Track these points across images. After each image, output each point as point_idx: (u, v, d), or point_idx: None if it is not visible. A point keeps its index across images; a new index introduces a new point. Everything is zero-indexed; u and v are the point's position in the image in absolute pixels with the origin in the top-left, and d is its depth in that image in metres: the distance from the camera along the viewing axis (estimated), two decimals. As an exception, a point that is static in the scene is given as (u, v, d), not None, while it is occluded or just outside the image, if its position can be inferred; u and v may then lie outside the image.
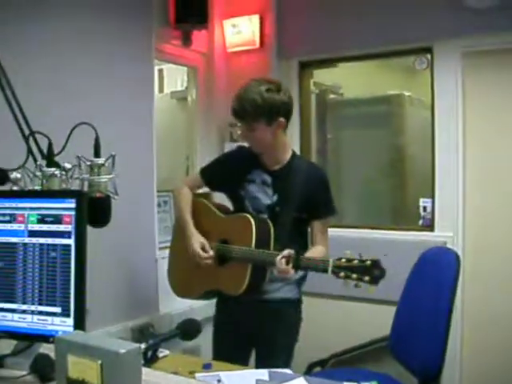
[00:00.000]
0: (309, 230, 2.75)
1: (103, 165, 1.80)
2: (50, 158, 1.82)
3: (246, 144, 2.79)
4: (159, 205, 3.82)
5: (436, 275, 2.69)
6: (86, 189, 1.80)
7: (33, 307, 1.69)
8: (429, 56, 3.75)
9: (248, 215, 2.63)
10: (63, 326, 1.64)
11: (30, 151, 1.87)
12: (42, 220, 1.69)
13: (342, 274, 2.30)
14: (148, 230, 3.56)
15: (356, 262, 2.29)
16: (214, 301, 2.88)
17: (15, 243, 1.72)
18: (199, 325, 1.95)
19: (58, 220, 1.66)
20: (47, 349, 1.66)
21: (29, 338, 1.73)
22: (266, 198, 2.68)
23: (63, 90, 2.95)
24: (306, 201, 2.64)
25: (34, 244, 1.69)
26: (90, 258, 1.66)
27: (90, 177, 1.80)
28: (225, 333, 2.80)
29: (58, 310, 1.65)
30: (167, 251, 3.04)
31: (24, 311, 1.70)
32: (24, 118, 1.94)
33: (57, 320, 1.66)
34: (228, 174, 2.77)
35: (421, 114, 3.99)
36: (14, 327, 1.71)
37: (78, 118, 1.85)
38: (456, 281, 2.58)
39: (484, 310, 3.55)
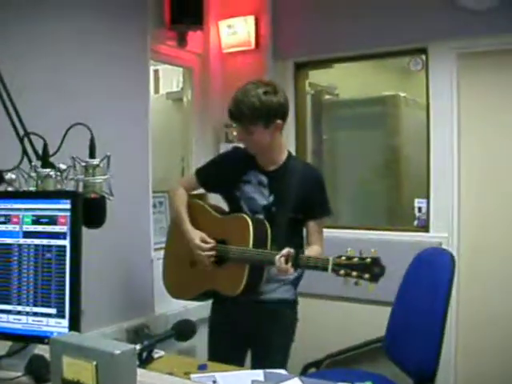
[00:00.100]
0: (304, 230, 2.76)
1: (98, 165, 1.80)
2: (45, 159, 1.81)
3: (241, 145, 2.79)
4: (154, 206, 3.81)
5: (431, 276, 2.70)
6: (81, 189, 1.80)
7: (28, 308, 1.69)
8: (424, 57, 3.75)
9: (245, 216, 2.63)
10: (58, 327, 1.64)
11: (24, 152, 1.87)
12: (36, 221, 1.69)
13: (342, 271, 2.30)
14: (143, 231, 3.55)
15: (356, 259, 2.29)
16: (209, 302, 2.88)
17: (10, 244, 1.72)
18: (194, 325, 1.95)
19: (52, 221, 1.66)
20: (42, 350, 1.66)
21: (24, 339, 1.73)
22: (262, 198, 2.68)
23: (58, 90, 2.95)
24: (301, 201, 2.64)
25: (28, 245, 1.69)
26: (85, 258, 1.65)
27: (84, 177, 1.80)
28: (220, 333, 2.80)
29: (53, 311, 1.65)
30: (163, 252, 3.04)
31: (19, 312, 1.70)
32: (19, 118, 1.94)
33: (52, 321, 1.65)
34: (223, 174, 2.77)
35: (416, 114, 4.00)
36: (8, 328, 1.71)
37: (73, 118, 1.85)
38: (451, 281, 2.59)
39: (479, 310, 3.56)
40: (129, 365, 1.33)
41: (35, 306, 1.68)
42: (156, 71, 4.71)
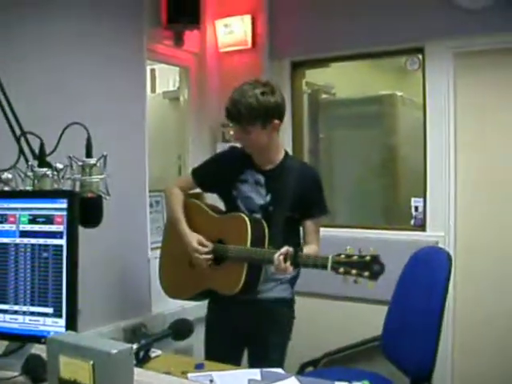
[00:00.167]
0: (301, 229, 2.76)
1: (95, 165, 1.80)
2: (42, 159, 1.81)
3: (238, 144, 2.79)
4: (151, 205, 3.81)
5: (428, 275, 2.70)
6: (77, 189, 1.80)
7: (24, 308, 1.69)
8: (420, 56, 3.76)
9: (243, 215, 2.63)
10: (55, 326, 1.64)
11: (21, 151, 1.87)
12: (33, 220, 1.69)
13: (341, 269, 2.30)
14: (140, 230, 3.55)
15: (355, 257, 2.29)
16: (206, 301, 2.88)
17: (7, 244, 1.71)
18: (191, 325, 1.95)
19: (49, 220, 1.66)
20: (39, 349, 1.66)
21: (20, 339, 1.73)
22: (259, 197, 2.68)
23: (55, 90, 2.94)
24: (298, 200, 2.64)
25: (25, 244, 1.69)
26: (82, 258, 1.65)
27: (81, 177, 1.80)
28: (217, 332, 2.80)
29: (49, 310, 1.65)
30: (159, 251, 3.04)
31: (16, 312, 1.70)
32: (15, 118, 1.94)
33: (49, 321, 1.65)
34: (220, 174, 2.77)
35: (413, 114, 4.01)
36: (5, 328, 1.71)
37: (70, 118, 1.85)
38: (447, 280, 2.59)
39: (475, 309, 3.56)
40: (126, 364, 1.33)
41: (32, 305, 1.68)
42: (152, 70, 4.71)
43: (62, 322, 1.63)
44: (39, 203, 1.69)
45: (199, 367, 2.19)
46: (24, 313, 1.69)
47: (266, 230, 2.60)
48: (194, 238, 2.70)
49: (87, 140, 1.83)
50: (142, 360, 1.79)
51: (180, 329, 1.92)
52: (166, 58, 4.07)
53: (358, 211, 4.49)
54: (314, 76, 4.43)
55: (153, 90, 4.80)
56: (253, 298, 2.66)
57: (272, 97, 2.56)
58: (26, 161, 1.85)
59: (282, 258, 2.41)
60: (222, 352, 2.64)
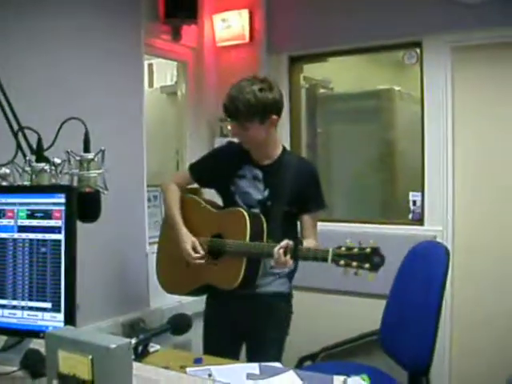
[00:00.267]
0: (298, 223, 2.76)
1: (93, 160, 1.80)
2: (40, 153, 1.81)
3: (235, 139, 2.79)
4: (149, 199, 3.81)
5: (425, 269, 2.71)
6: (75, 184, 1.80)
7: (23, 303, 1.69)
8: (418, 50, 3.76)
9: (241, 209, 2.63)
10: (53, 321, 1.64)
11: (19, 146, 1.87)
12: (31, 215, 1.69)
13: (342, 262, 2.31)
14: (138, 225, 3.55)
15: (356, 249, 2.30)
16: (204, 296, 2.88)
17: (5, 239, 1.71)
18: (190, 319, 1.95)
19: (47, 215, 1.66)
20: (38, 344, 1.65)
21: (19, 334, 1.73)
22: (258, 192, 2.68)
23: (53, 85, 2.94)
24: (296, 195, 2.64)
25: (23, 239, 1.69)
26: (80, 253, 1.65)
27: (79, 172, 1.80)
28: (216, 327, 2.80)
29: (48, 305, 1.65)
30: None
31: (14, 307, 1.70)
32: (13, 113, 1.93)
33: (47, 315, 1.65)
34: (218, 169, 2.77)
35: (410, 108, 4.00)
36: (3, 323, 1.71)
37: (68, 112, 1.85)
38: (445, 275, 2.59)
39: (473, 306, 3.57)
40: (124, 359, 1.33)
41: (30, 300, 1.68)
42: (150, 65, 4.70)
43: (61, 316, 1.63)
44: (37, 198, 1.69)
45: (198, 362, 2.19)
46: (22, 308, 1.69)
47: (265, 225, 2.60)
48: (188, 241, 2.70)
49: (85, 135, 1.83)
50: (141, 355, 1.79)
51: (178, 323, 1.93)
52: (164, 53, 4.06)
53: (356, 205, 4.49)
54: (312, 71, 4.42)
55: (150, 84, 4.79)
56: (251, 292, 2.66)
57: (270, 93, 2.56)
58: (24, 156, 1.85)
59: (281, 251, 2.41)
60: (220, 346, 2.64)
